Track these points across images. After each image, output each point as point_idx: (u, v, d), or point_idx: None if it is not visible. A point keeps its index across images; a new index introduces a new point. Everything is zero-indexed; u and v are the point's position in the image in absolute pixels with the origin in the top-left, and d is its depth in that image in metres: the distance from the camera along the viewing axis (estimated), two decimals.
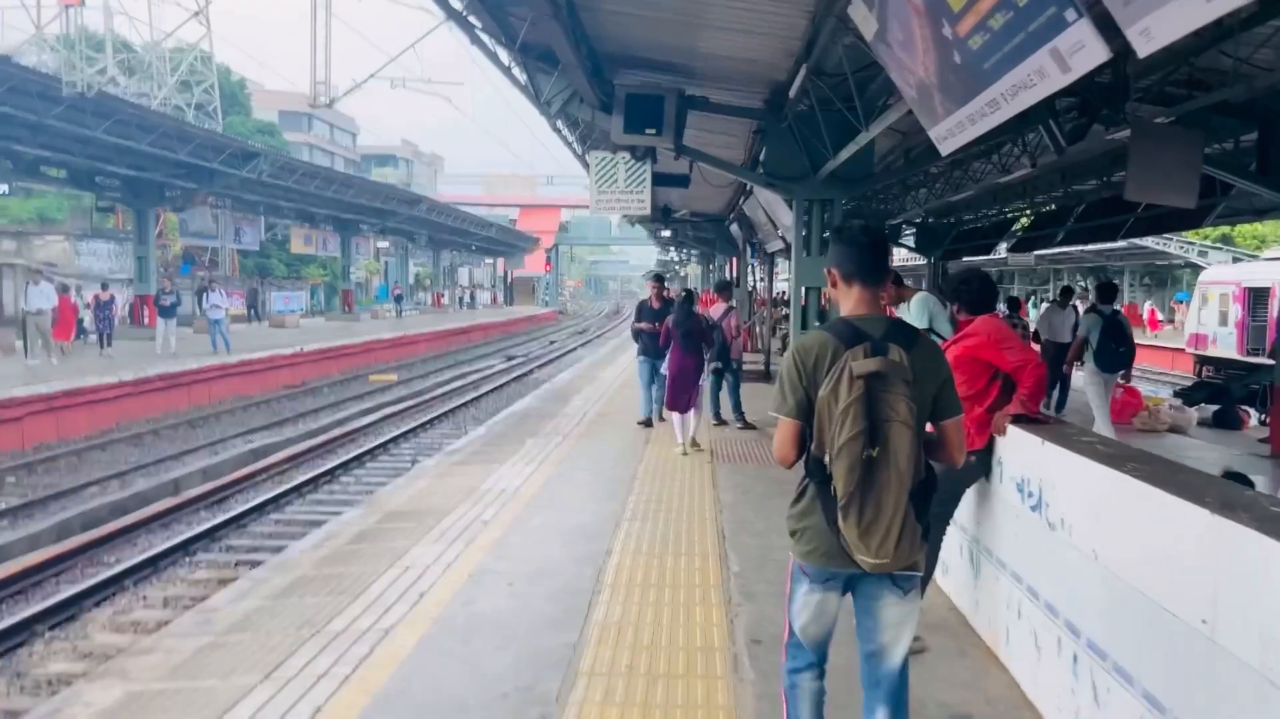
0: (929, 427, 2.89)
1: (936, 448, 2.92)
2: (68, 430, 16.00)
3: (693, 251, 56.02)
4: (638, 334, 11.24)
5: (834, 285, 3.01)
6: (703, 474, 8.31)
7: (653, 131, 8.90)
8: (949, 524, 4.51)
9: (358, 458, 14.18)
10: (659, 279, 11.14)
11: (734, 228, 20.55)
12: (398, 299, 48.64)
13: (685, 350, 9.72)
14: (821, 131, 8.73)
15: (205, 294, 22.85)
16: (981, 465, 4.31)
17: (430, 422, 17.74)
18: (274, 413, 19.73)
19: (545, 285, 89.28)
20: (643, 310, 11.20)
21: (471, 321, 46.37)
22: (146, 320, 22.91)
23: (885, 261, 3.08)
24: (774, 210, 12.65)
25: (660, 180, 10.62)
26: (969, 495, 4.47)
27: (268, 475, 13.04)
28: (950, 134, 5.01)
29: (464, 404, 20.32)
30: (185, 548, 9.58)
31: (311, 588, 5.23)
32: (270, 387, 23.20)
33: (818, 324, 9.52)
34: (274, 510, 11.28)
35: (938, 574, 5.01)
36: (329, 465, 13.45)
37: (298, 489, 12.13)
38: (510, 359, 32.58)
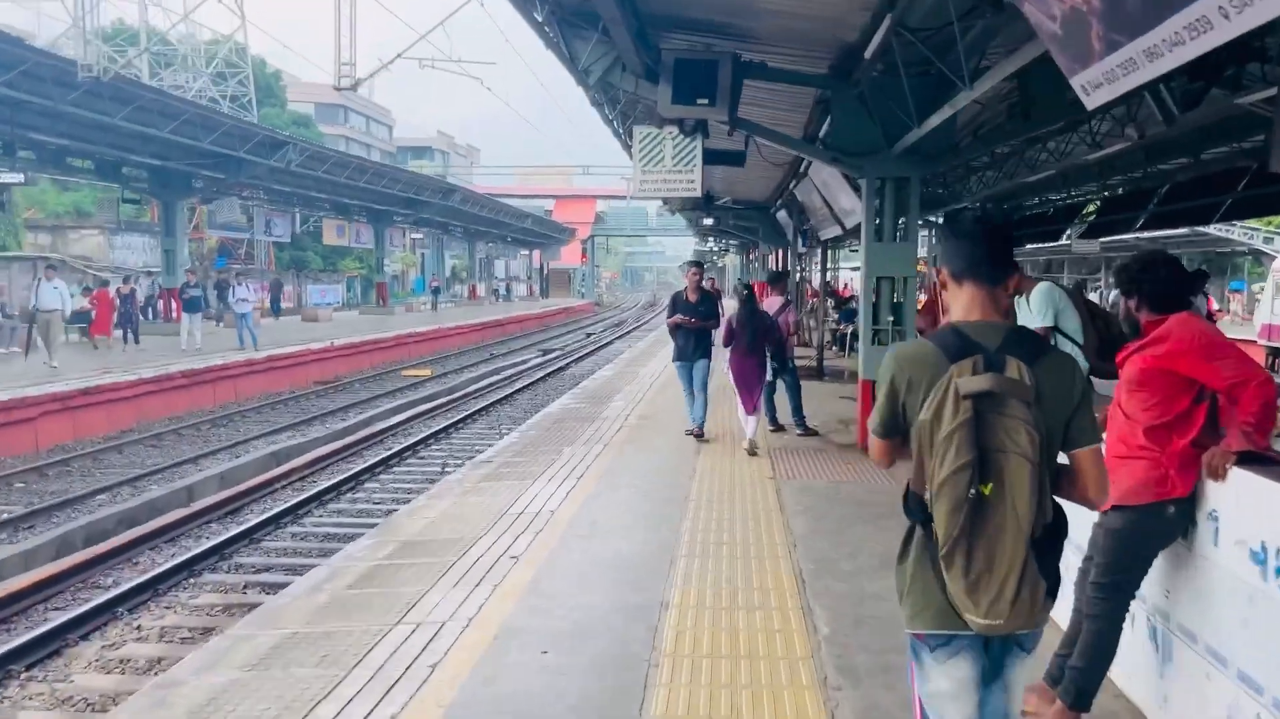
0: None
1: (1069, 485, 2.43)
2: (84, 431, 15.27)
3: (732, 241, 54.90)
4: (674, 330, 9.83)
5: (944, 287, 2.55)
6: (766, 493, 7.25)
7: (704, 102, 7.82)
8: (1131, 599, 3.38)
9: (385, 461, 13.28)
10: (698, 266, 9.71)
11: (781, 215, 19.37)
12: (435, 292, 48.07)
13: (748, 349, 9.21)
14: (902, 97, 7.59)
15: (231, 288, 22.11)
16: (1182, 519, 3.20)
17: (462, 421, 16.81)
18: (301, 411, 18.94)
19: (581, 277, 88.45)
20: (678, 304, 9.67)
21: (507, 314, 45.57)
22: (175, 314, 22.19)
23: (1006, 256, 2.52)
24: (831, 193, 11.51)
25: (712, 158, 9.53)
26: (1159, 559, 3.34)
27: (287, 482, 12.17)
28: (1109, 79, 3.87)
29: (498, 401, 19.39)
30: (190, 567, 8.68)
31: (299, 652, 4.24)
32: (300, 382, 22.47)
33: (891, 319, 8.42)
34: (291, 522, 10.38)
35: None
36: (354, 470, 12.56)
37: (318, 498, 11.22)
38: (546, 353, 31.65)
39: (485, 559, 5.50)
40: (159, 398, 17.40)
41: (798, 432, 9.93)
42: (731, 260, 74.71)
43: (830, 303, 21.14)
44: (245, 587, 8.38)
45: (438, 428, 15.88)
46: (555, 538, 5.97)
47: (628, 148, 12.89)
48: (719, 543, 5.85)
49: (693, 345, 9.44)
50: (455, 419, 16.76)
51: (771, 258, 28.32)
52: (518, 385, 21.86)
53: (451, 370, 26.42)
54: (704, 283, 10.30)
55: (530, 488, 7.41)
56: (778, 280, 10.70)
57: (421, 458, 13.90)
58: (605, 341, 36.58)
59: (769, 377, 10.10)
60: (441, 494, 7.48)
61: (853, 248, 20.92)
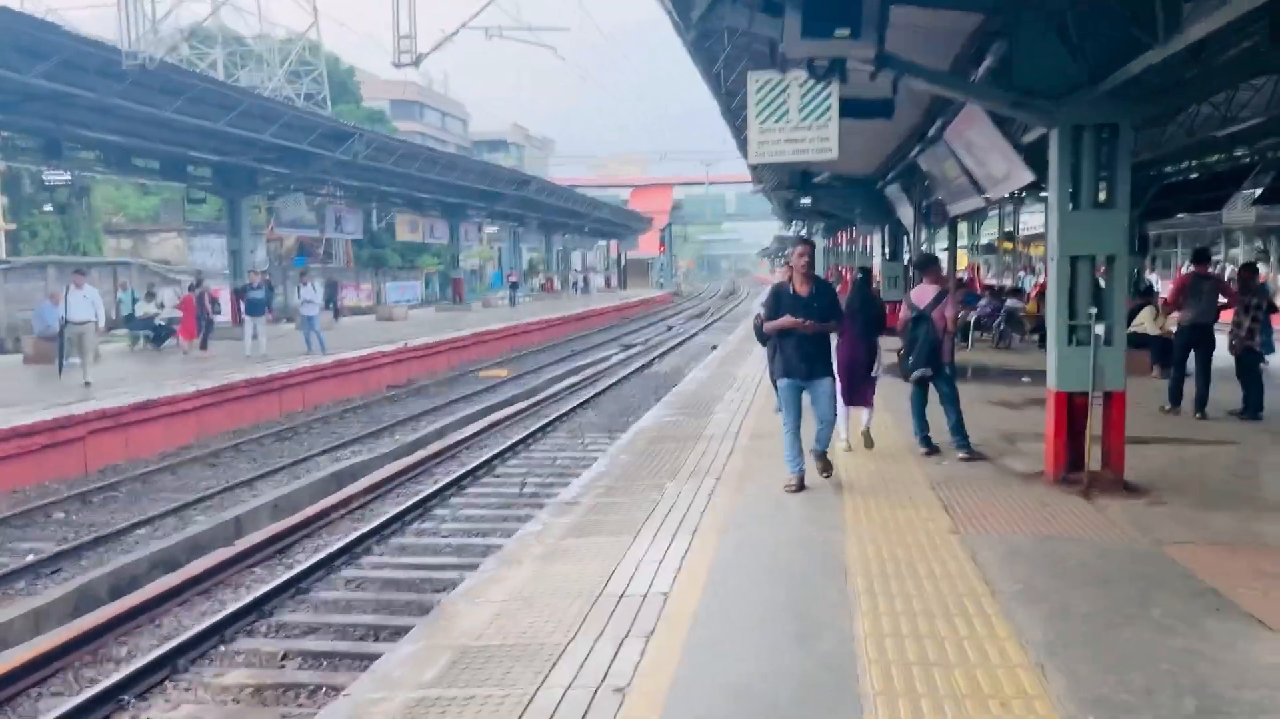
0: None
1: None
2: (138, 449, 14.11)
3: (818, 225, 52.42)
4: (774, 338, 7.38)
5: None
6: (955, 559, 5.32)
7: (844, 34, 5.98)
8: None
9: (458, 481, 11.73)
10: (808, 244, 7.17)
11: (892, 190, 17.26)
12: (513, 286, 46.66)
13: (858, 337, 8.30)
14: (1120, 14, 5.57)
15: (297, 289, 20.92)
16: None
17: (542, 430, 15.21)
18: (371, 419, 17.60)
19: (659, 267, 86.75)
20: (782, 300, 7.03)
21: (585, 308, 44.11)
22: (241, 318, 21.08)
23: None
24: (978, 155, 9.50)
25: (851, 109, 7.62)
26: None
27: (347, 510, 10.69)
28: None
29: (580, 405, 17.77)
30: (220, 630, 7.17)
31: None
32: (372, 387, 21.22)
33: (1094, 312, 6.43)
34: (346, 564, 8.85)
35: None
36: (423, 493, 11.02)
37: (380, 531, 9.69)
38: (628, 348, 30.00)
39: (574, 692, 3.71)
40: (221, 410, 16.22)
41: (960, 455, 7.95)
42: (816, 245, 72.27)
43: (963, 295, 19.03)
44: (285, 656, 6.84)
45: (516, 438, 14.31)
46: (674, 649, 4.10)
47: (731, 112, 11.06)
48: (920, 668, 3.88)
49: (807, 357, 6.92)
50: (534, 428, 15.16)
51: (870, 239, 26.20)
52: (599, 387, 20.22)
53: (529, 370, 24.94)
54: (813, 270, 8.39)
55: (630, 549, 5.66)
56: (928, 265, 8.58)
57: (498, 476, 12.32)
58: (688, 334, 34.79)
59: (914, 388, 8.20)
60: (515, 557, 5.72)
61: (984, 218, 18.75)
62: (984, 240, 40.99)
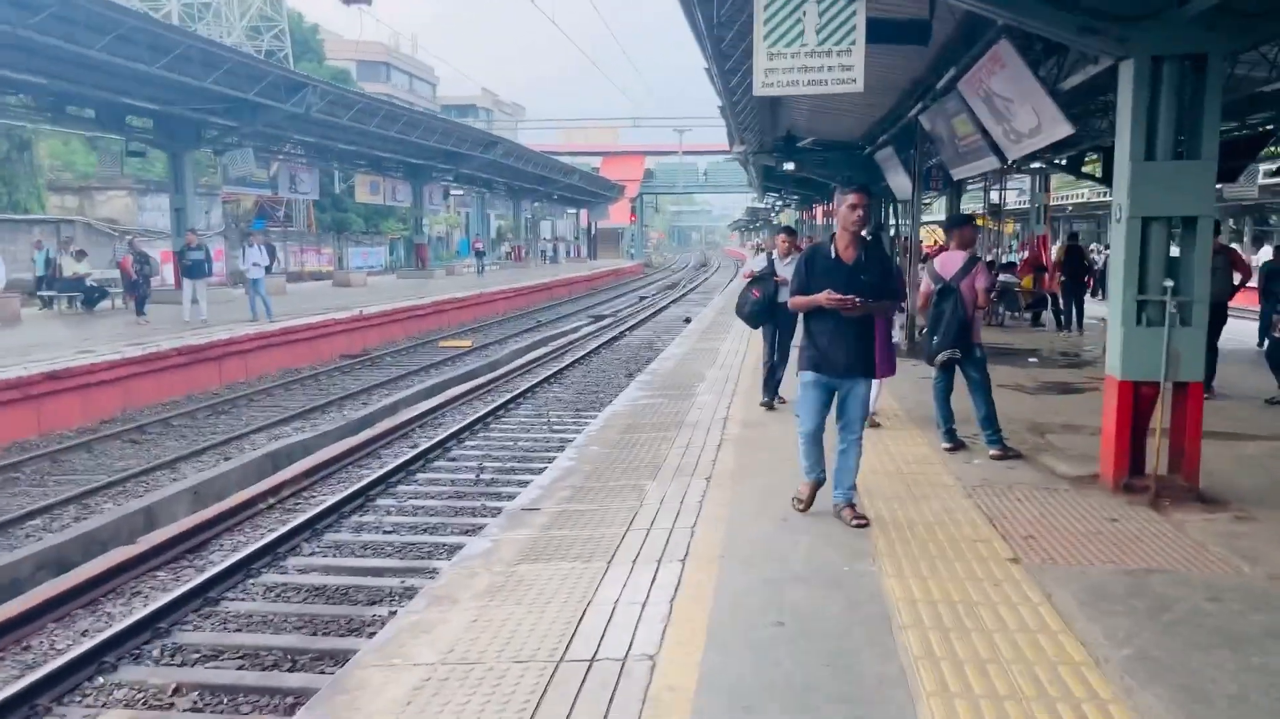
0: None
1: None
2: (51, 423, 12.70)
3: (792, 196, 51.18)
4: (807, 322, 6.78)
5: None
6: (1026, 601, 4.09)
7: None
8: None
9: (406, 465, 10.46)
10: (862, 193, 5.41)
11: (884, 154, 16.07)
12: (479, 254, 44.97)
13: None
14: None
15: (242, 251, 19.39)
16: None
17: (504, 407, 13.96)
18: (319, 392, 16.26)
19: (630, 237, 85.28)
20: (818, 266, 5.47)
21: (554, 277, 42.71)
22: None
23: None
24: (998, 110, 8.30)
25: (880, 32, 6.33)
26: None
27: (278, 499, 9.40)
28: None
29: (546, 380, 16.52)
30: (100, 656, 5.90)
31: None
32: (323, 356, 19.83)
33: (1169, 286, 5.28)
34: (269, 567, 7.60)
35: None
36: (367, 480, 9.75)
37: (311, 525, 8.42)
38: (598, 319, 28.75)
39: None
40: (150, 380, 14.79)
41: (992, 452, 6.78)
42: (788, 218, 70.90)
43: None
44: (176, 691, 5.59)
45: (475, 416, 13.05)
46: None
47: (719, 56, 9.79)
48: None
49: (849, 348, 5.38)
50: (496, 404, 13.91)
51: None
52: (567, 360, 18.96)
53: (494, 341, 23.63)
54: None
55: (602, 582, 4.44)
56: (959, 227, 7.28)
57: (453, 459, 11.07)
58: (660, 306, 33.58)
59: (940, 374, 7.03)
60: (452, 594, 4.34)
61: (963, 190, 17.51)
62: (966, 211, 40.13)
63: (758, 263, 8.54)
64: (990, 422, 6.75)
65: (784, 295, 7.57)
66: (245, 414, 14.36)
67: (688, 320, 26.51)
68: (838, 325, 5.29)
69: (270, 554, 7.74)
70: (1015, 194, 62.43)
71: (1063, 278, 17.61)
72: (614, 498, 5.83)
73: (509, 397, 14.73)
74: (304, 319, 19.91)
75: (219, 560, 7.60)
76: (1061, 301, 17.44)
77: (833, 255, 5.43)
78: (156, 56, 16.46)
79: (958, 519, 5.26)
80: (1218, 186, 24.48)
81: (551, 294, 38.73)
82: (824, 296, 5.23)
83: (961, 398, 7.05)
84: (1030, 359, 11.64)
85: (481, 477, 10.22)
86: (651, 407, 9.06)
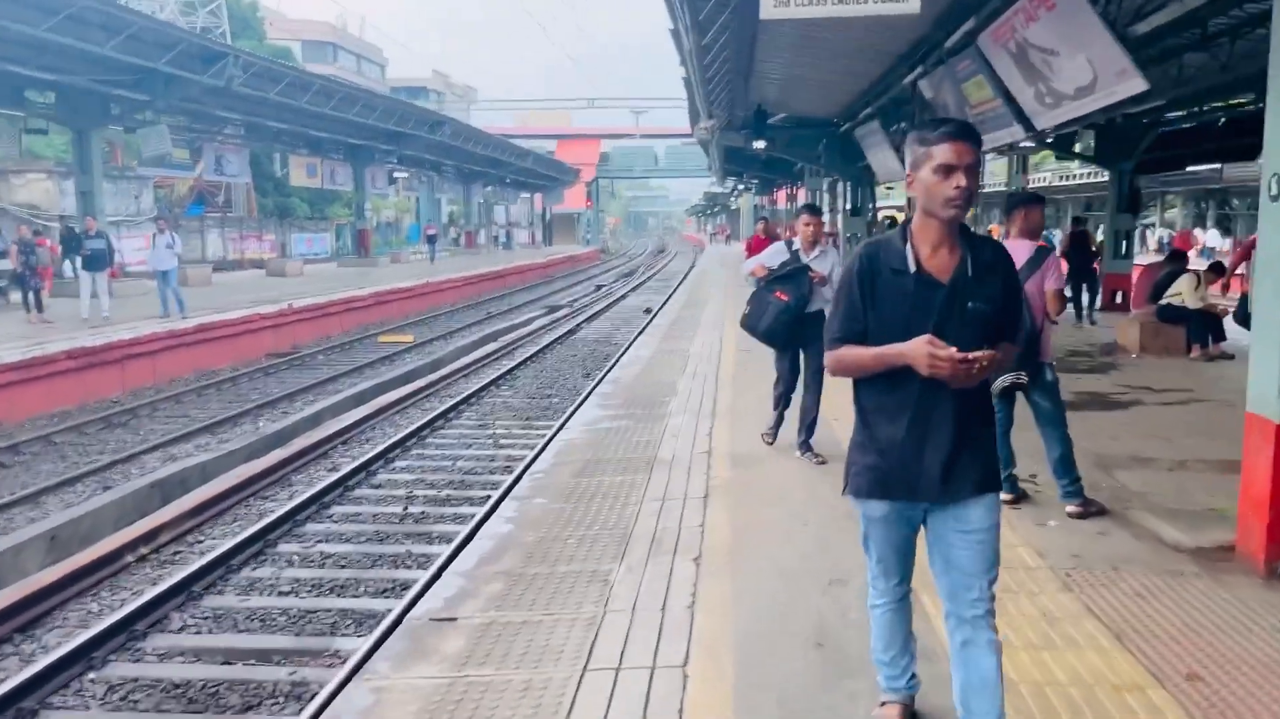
0: None
1: None
2: None
3: (753, 180, 49.75)
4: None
5: None
6: None
7: None
8: None
9: (320, 496, 8.76)
10: (971, 142, 2.60)
11: (867, 130, 14.56)
12: (430, 240, 42.53)
13: None
14: None
15: (152, 238, 17.38)
16: None
17: (444, 416, 12.29)
18: (236, 398, 14.43)
19: (586, 222, 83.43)
20: (884, 285, 2.82)
21: (507, 264, 40.83)
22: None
23: None
24: (1047, 62, 6.78)
25: None
26: None
27: (152, 548, 7.66)
28: None
29: (494, 382, 14.85)
30: None
31: None
32: (247, 356, 17.94)
33: None
34: (120, 651, 5.88)
35: None
36: (268, 520, 8.03)
37: (188, 586, 6.70)
38: (552, 310, 27.03)
39: None
40: (38, 389, 12.89)
41: (1071, 508, 5.06)
42: (746, 203, 69.41)
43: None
44: None
45: (409, 428, 11.36)
46: None
47: (691, 5, 8.16)
48: None
49: (950, 439, 2.84)
50: (435, 413, 12.21)
51: (816, 195, 23.60)
52: (518, 358, 17.28)
53: (439, 335, 21.85)
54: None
55: None
56: (1025, 205, 5.47)
57: (378, 486, 9.39)
58: (618, 295, 31.93)
59: (1000, 403, 5.49)
60: None
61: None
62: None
63: (775, 254, 6.53)
64: (1067, 466, 5.13)
65: (818, 303, 5.98)
66: (145, 427, 12.52)
67: (648, 311, 24.94)
68: (929, 400, 2.79)
69: (127, 632, 6.02)
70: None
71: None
72: (565, 596, 4.12)
73: (451, 403, 13.04)
74: (225, 314, 17.98)
75: (57, 646, 5.86)
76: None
77: (910, 264, 2.80)
78: (45, 17, 14.41)
79: (1070, 636, 3.61)
80: (1217, 166, 23.32)
81: (504, 282, 36.90)
82: (922, 350, 2.62)
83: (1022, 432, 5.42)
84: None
85: (410, 509, 8.56)
86: (614, 431, 7.42)
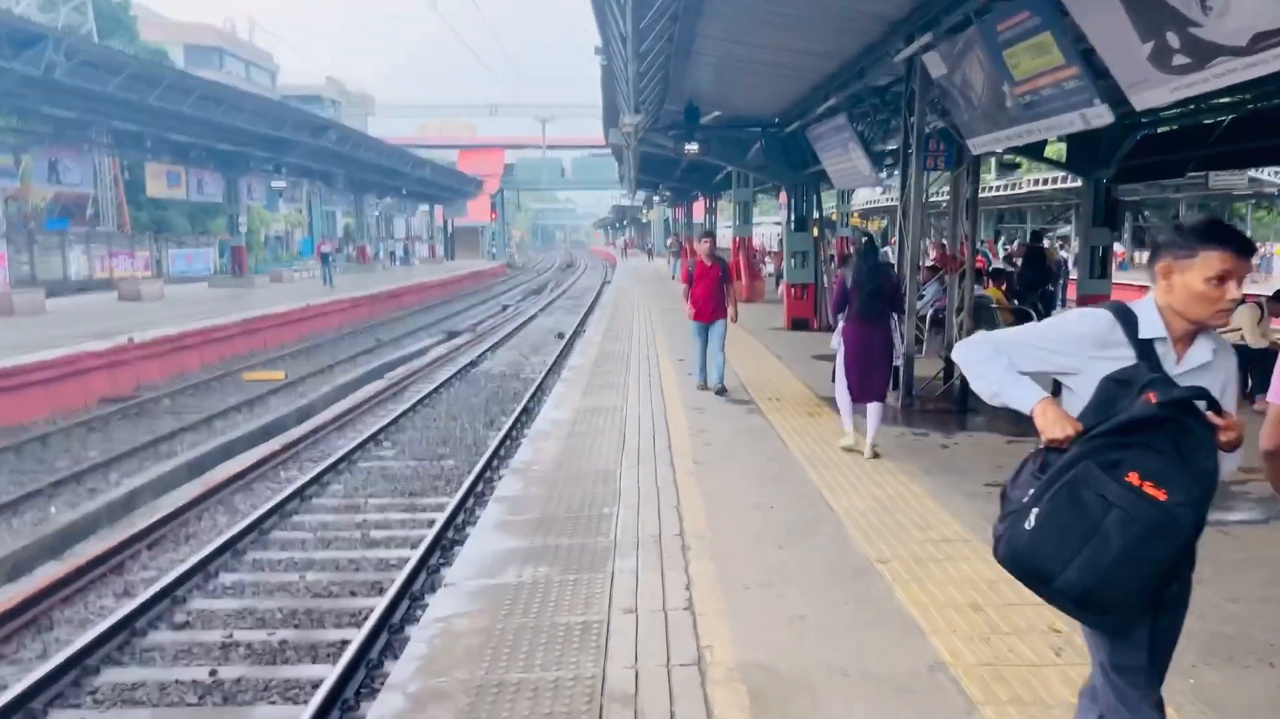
0: None
1: None
2: None
3: (667, 191, 47.39)
4: None
5: None
6: None
7: None
8: None
9: (82, 657, 5.82)
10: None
11: (824, 129, 12.16)
12: (324, 259, 35.41)
13: (866, 318, 6.92)
14: None
15: None
16: None
17: (304, 491, 9.38)
18: (26, 474, 11.10)
19: (491, 236, 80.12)
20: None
21: (405, 282, 37.48)
22: None
23: None
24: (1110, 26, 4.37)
25: None
26: None
27: None
28: None
29: (374, 437, 11.97)
30: None
31: None
32: (71, 404, 14.56)
33: None
34: None
35: None
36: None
37: None
38: (452, 336, 24.07)
39: None
40: None
41: None
42: (658, 215, 67.12)
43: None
44: None
45: (251, 518, 8.42)
46: None
47: None
48: None
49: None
50: (290, 490, 9.27)
51: (774, 201, 21.35)
52: (408, 401, 14.39)
53: (317, 370, 18.69)
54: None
55: None
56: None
57: (183, 628, 6.46)
58: (527, 316, 29.13)
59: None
60: None
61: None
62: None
63: (1067, 350, 3.77)
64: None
65: None
66: None
67: (560, 336, 22.28)
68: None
69: None
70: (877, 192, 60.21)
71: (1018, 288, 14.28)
72: None
73: (315, 470, 10.13)
74: (40, 354, 14.56)
75: None
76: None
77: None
78: None
79: None
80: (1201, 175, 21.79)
81: (400, 303, 33.62)
82: None
83: None
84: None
85: (217, 676, 5.67)
86: (525, 598, 4.27)
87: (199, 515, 8.93)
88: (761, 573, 4.32)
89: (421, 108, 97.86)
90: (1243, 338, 8.47)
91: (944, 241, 12.27)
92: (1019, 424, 8.45)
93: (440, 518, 8.37)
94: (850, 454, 6.93)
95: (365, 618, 6.31)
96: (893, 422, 8.03)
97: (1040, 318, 12.68)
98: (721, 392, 9.44)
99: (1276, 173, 30.90)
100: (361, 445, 11.53)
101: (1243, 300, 9.27)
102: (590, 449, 7.20)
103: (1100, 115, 5.60)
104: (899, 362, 7.48)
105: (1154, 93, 5.04)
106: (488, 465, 10.20)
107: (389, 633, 6.11)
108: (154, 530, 8.28)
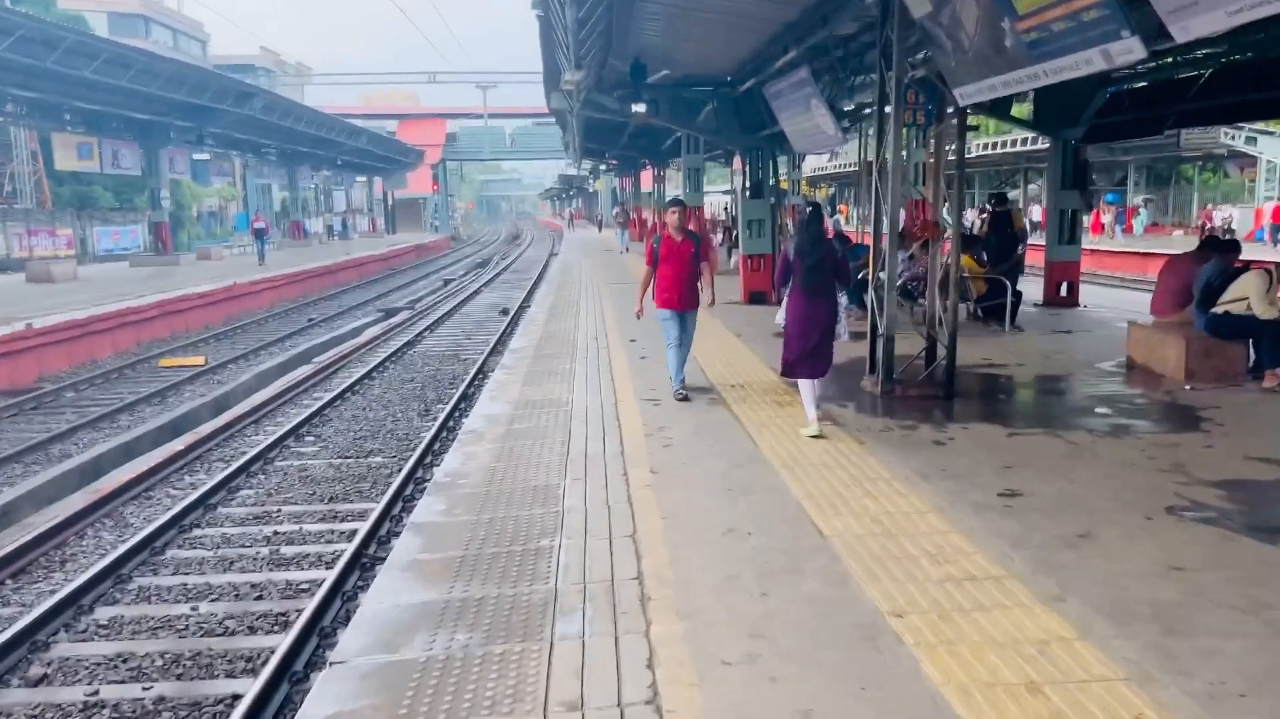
0: None
1: None
2: None
3: (614, 160, 46.09)
4: None
5: None
6: None
7: None
8: None
9: None
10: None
11: (784, 85, 11.18)
12: (258, 235, 33.06)
13: (810, 291, 6.62)
14: None
15: None
16: None
17: (209, 498, 8.27)
18: None
19: (434, 208, 78.02)
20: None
21: (342, 257, 35.88)
22: None
23: None
24: None
25: None
26: None
27: None
28: None
29: (297, 430, 10.85)
30: None
31: None
32: None
33: None
34: None
35: None
36: None
37: None
38: (389, 315, 22.79)
39: None
40: None
41: None
42: (603, 185, 65.58)
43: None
44: None
45: (146, 533, 7.32)
46: None
47: None
48: None
49: None
50: (192, 498, 8.15)
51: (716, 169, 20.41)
52: (336, 388, 13.24)
53: (241, 354, 17.39)
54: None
55: None
56: None
57: (34, 698, 5.37)
58: (470, 291, 27.88)
59: None
60: None
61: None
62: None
63: None
64: None
65: None
66: None
67: (505, 312, 21.15)
68: None
69: None
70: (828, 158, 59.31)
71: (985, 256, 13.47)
72: None
73: (225, 472, 9.01)
74: None
75: None
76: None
77: None
78: None
79: None
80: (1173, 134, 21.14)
81: (337, 279, 32.13)
82: None
83: None
84: (1099, 410, 7.07)
85: None
86: (429, 699, 3.12)
87: (81, 533, 7.76)
88: (744, 637, 3.34)
89: (360, 75, 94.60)
90: (1249, 308, 7.70)
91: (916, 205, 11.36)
92: (1017, 412, 7.53)
93: (362, 528, 7.36)
94: (821, 445, 6.06)
95: (265, 662, 5.30)
96: (872, 412, 7.11)
97: (1013, 287, 11.88)
98: (685, 398, 7.91)
99: (1229, 133, 30.61)
100: (280, 441, 10.40)
101: (1247, 266, 8.56)
102: (529, 455, 6.16)
103: (1129, 51, 4.68)
104: (845, 338, 7.04)
105: (1205, 19, 4.13)
106: (419, 463, 9.19)
107: (290, 683, 5.11)
108: (22, 555, 7.12)
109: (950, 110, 7.15)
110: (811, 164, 47.93)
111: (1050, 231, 14.51)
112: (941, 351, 7.45)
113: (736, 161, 18.06)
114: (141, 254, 31.76)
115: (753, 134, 14.03)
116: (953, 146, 7.47)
